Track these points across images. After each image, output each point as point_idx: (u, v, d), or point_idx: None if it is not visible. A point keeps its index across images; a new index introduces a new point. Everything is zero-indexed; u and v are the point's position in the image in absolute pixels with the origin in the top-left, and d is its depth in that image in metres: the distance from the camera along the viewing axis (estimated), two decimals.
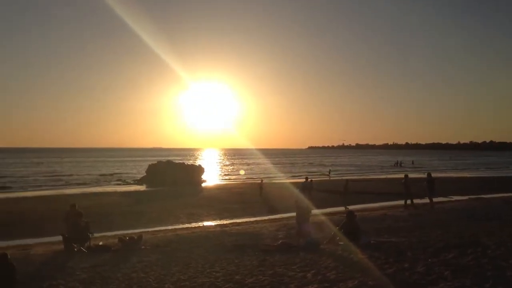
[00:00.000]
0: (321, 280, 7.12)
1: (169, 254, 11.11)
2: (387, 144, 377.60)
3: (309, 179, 28.98)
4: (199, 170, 49.63)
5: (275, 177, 54.98)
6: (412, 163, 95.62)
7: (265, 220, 20.81)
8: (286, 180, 47.30)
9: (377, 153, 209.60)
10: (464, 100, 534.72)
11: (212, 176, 58.08)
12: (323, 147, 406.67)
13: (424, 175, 22.75)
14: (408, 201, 21.18)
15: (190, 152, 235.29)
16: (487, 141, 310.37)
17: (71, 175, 61.33)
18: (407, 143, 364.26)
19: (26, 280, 8.60)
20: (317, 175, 59.10)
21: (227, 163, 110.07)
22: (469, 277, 6.38)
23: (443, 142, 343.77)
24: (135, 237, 12.80)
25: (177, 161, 58.08)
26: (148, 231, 17.45)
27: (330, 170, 67.16)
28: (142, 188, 43.28)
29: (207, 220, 21.46)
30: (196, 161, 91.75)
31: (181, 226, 19.72)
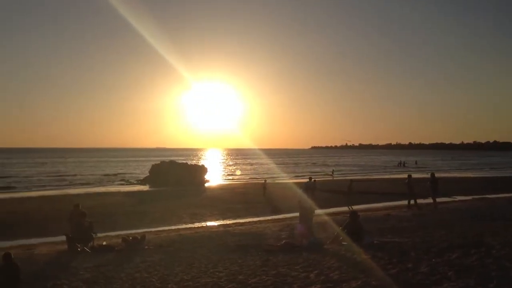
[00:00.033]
0: (324, 280, 7.11)
1: (172, 254, 11.12)
2: (390, 144, 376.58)
3: (312, 179, 28.96)
4: (202, 170, 49.70)
5: (278, 177, 55.01)
6: (416, 163, 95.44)
7: (268, 220, 20.81)
8: (289, 180, 47.30)
9: (380, 153, 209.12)
10: (467, 99, 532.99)
11: (215, 176, 58.14)
12: (326, 147, 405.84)
13: (427, 175, 22.68)
14: (412, 201, 21.12)
15: (193, 152, 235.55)
16: (491, 141, 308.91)
17: (75, 175, 61.58)
18: (410, 143, 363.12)
19: (30, 279, 8.65)
20: (321, 175, 59.01)
21: (230, 163, 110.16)
22: (473, 277, 6.35)
23: (447, 142, 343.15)
24: (139, 237, 12.84)
25: (180, 161, 58.25)
26: (151, 231, 17.49)
27: (333, 170, 67.08)
28: (145, 188, 43.36)
29: (210, 220, 21.48)
30: (199, 161, 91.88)
31: (184, 226, 19.75)
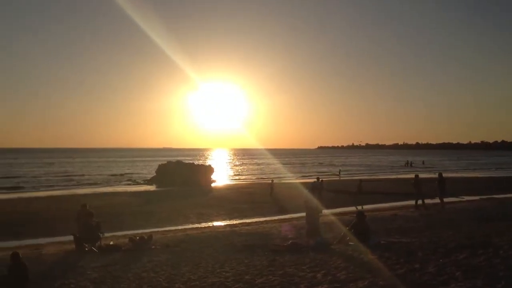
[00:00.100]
0: (331, 281, 7.09)
1: (179, 254, 11.16)
2: (397, 144, 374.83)
3: (320, 179, 28.93)
4: (209, 170, 49.79)
5: (285, 177, 54.99)
6: (423, 163, 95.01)
7: (274, 220, 20.81)
8: (296, 180, 47.26)
9: (387, 153, 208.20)
10: (475, 99, 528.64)
11: (222, 176, 58.23)
12: (333, 147, 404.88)
13: (435, 175, 22.55)
14: (419, 201, 21.01)
15: (199, 152, 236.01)
16: (499, 140, 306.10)
17: (82, 175, 62.01)
18: (417, 143, 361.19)
19: (38, 279, 8.72)
20: (327, 175, 58.93)
21: (237, 163, 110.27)
22: (480, 277, 6.30)
23: (454, 142, 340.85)
24: (145, 237, 12.90)
25: (186, 161, 58.44)
26: (158, 231, 17.56)
27: (340, 170, 66.92)
28: (152, 188, 43.55)
29: (217, 220, 21.52)
30: (205, 161, 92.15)
31: (191, 226, 19.81)
